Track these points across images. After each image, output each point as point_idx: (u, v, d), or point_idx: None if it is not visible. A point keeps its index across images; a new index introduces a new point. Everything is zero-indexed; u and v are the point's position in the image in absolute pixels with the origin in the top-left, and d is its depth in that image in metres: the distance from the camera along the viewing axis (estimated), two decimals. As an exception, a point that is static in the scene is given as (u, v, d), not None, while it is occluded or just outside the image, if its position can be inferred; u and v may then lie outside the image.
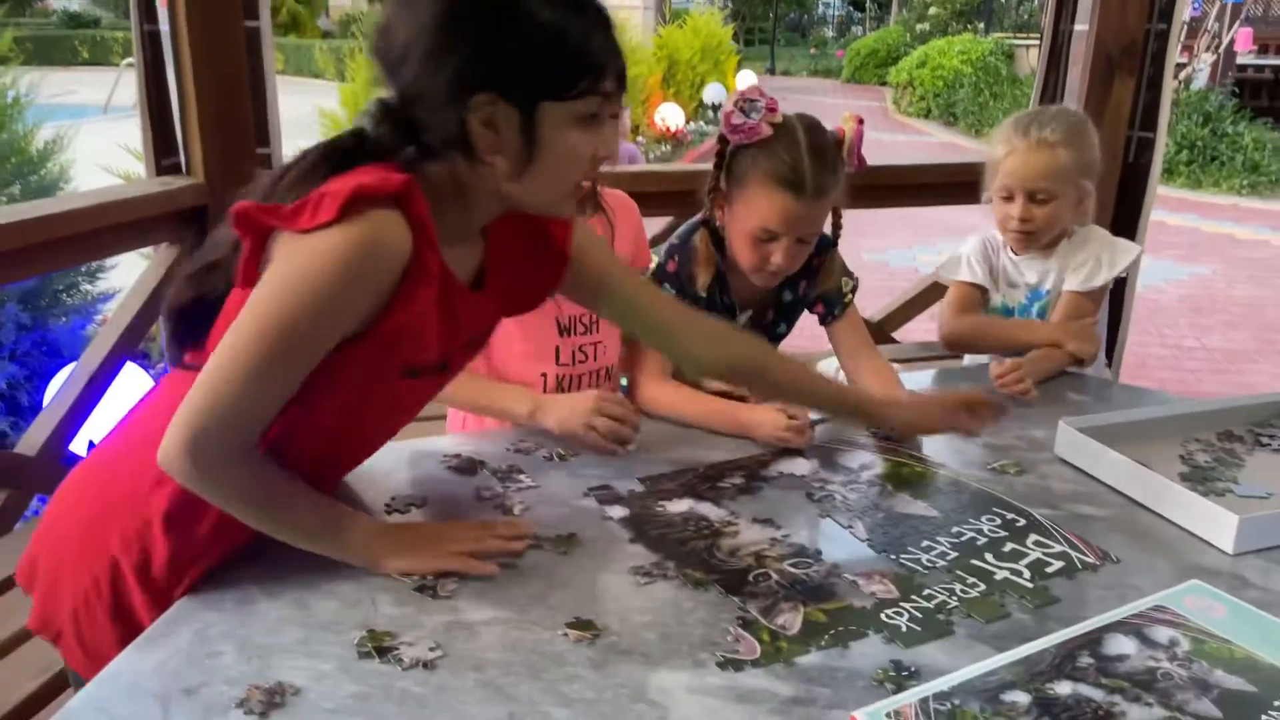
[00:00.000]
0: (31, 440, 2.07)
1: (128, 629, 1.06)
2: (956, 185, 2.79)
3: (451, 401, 1.59)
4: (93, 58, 21.09)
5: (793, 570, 1.14)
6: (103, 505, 1.11)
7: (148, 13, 2.20)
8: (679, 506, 1.28)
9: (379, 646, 0.98)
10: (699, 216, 1.66)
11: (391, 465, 1.35)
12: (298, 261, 0.97)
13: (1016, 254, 1.91)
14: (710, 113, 12.78)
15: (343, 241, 0.96)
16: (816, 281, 1.69)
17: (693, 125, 11.91)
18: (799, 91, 18.23)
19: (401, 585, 1.09)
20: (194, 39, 2.17)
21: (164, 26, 2.22)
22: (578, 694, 0.93)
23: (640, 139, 10.27)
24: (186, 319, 1.08)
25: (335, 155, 1.04)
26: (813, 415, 1.49)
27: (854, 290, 1.72)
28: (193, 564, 1.08)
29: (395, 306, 1.02)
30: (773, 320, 1.74)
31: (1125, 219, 2.84)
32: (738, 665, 0.97)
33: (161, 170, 2.30)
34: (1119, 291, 2.95)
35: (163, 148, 2.29)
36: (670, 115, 10.49)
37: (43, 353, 3.00)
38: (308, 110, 5.74)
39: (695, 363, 1.41)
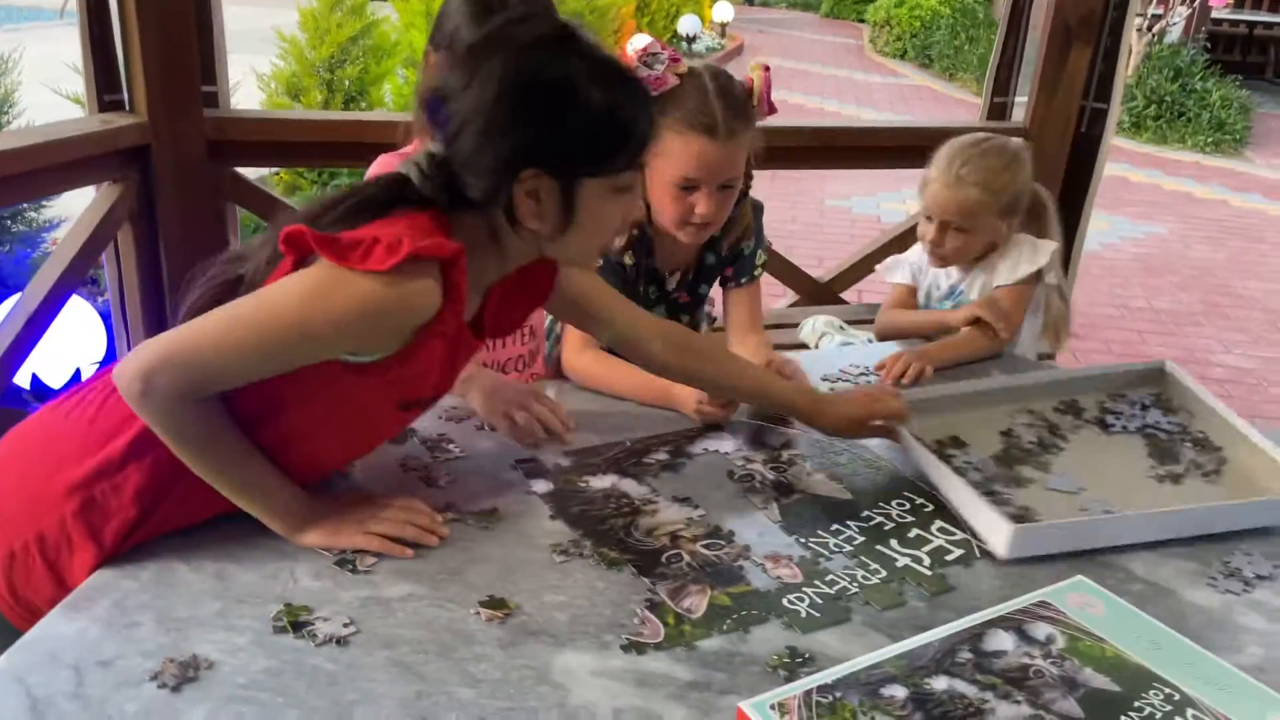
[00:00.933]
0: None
1: (62, 588, 1.08)
2: (910, 150, 2.80)
3: None
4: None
5: (705, 552, 1.18)
6: (53, 462, 1.11)
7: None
8: (602, 482, 1.32)
9: (294, 621, 1.01)
10: None
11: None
12: (333, 286, 1.03)
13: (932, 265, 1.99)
14: (684, 45, 12.60)
15: (382, 292, 1.02)
16: (731, 232, 1.72)
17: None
18: (776, 25, 17.99)
19: (322, 558, 1.12)
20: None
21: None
22: (484, 674, 0.97)
23: (611, 70, 10.14)
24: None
25: (379, 202, 1.10)
26: None
27: (764, 265, 1.79)
28: (141, 529, 1.10)
29: (406, 355, 1.08)
30: (693, 281, 1.78)
31: (1074, 188, 2.87)
32: (640, 648, 1.01)
33: (104, 106, 2.26)
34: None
35: (105, 83, 2.24)
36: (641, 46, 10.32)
37: (-11, 284, 2.96)
38: (265, 27, 5.58)
39: (651, 363, 1.43)
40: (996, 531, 1.18)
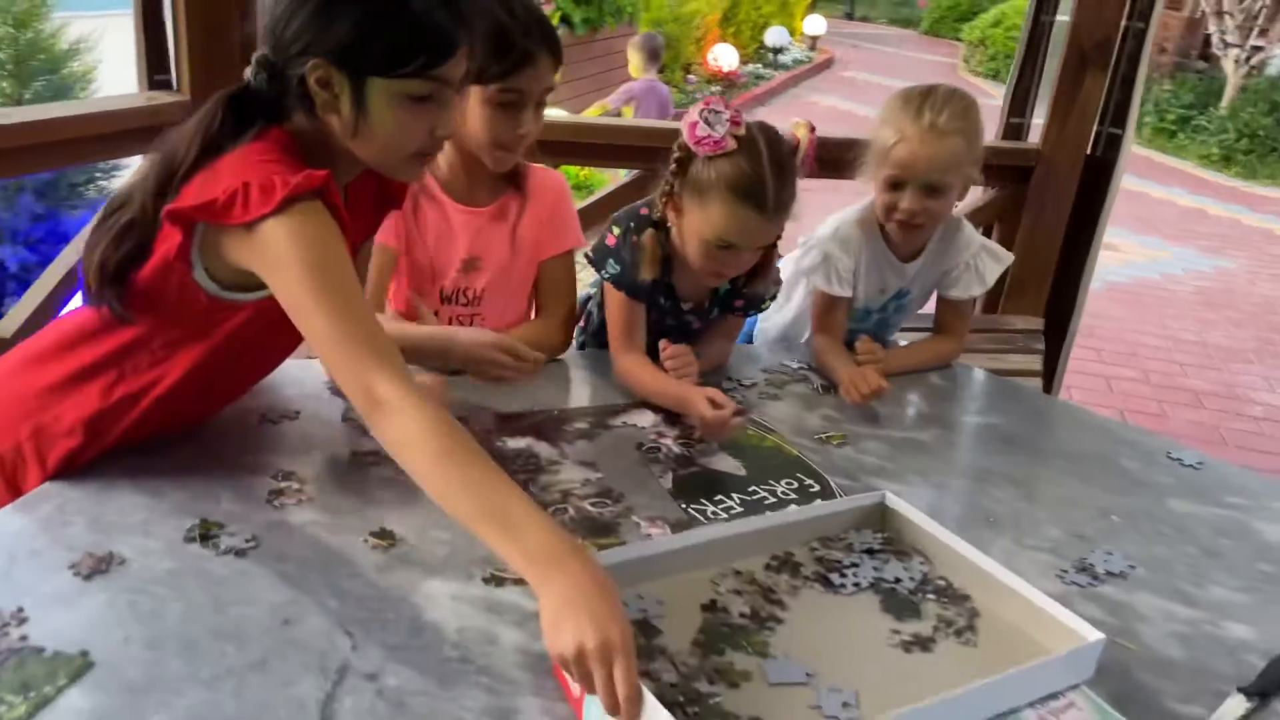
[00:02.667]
0: (9, 323, 2.29)
1: (14, 497, 1.24)
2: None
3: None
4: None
5: (590, 509, 1.29)
6: (18, 396, 1.27)
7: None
8: (518, 443, 1.44)
9: (204, 534, 1.16)
10: (644, 211, 1.65)
11: (276, 379, 1.52)
12: (294, 239, 1.10)
13: (897, 246, 1.83)
14: (770, 56, 12.66)
15: (310, 218, 1.11)
16: (755, 279, 1.69)
17: (750, 68, 11.82)
18: (873, 40, 17.88)
19: (251, 486, 1.27)
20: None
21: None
22: (353, 590, 1.10)
23: (691, 78, 10.25)
24: (112, 274, 1.20)
25: (222, 134, 1.17)
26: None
27: (773, 298, 1.79)
28: (83, 454, 1.25)
29: None
30: (708, 308, 1.75)
31: (1085, 213, 2.89)
32: (500, 582, 1.13)
33: (153, 85, 2.47)
34: (1063, 308, 3.00)
35: (155, 63, 2.45)
36: (724, 56, 10.42)
37: (55, 241, 3.23)
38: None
39: None
40: None
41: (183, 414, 1.32)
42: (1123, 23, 2.73)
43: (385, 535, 1.20)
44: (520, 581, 1.12)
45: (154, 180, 1.18)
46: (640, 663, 0.95)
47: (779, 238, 1.62)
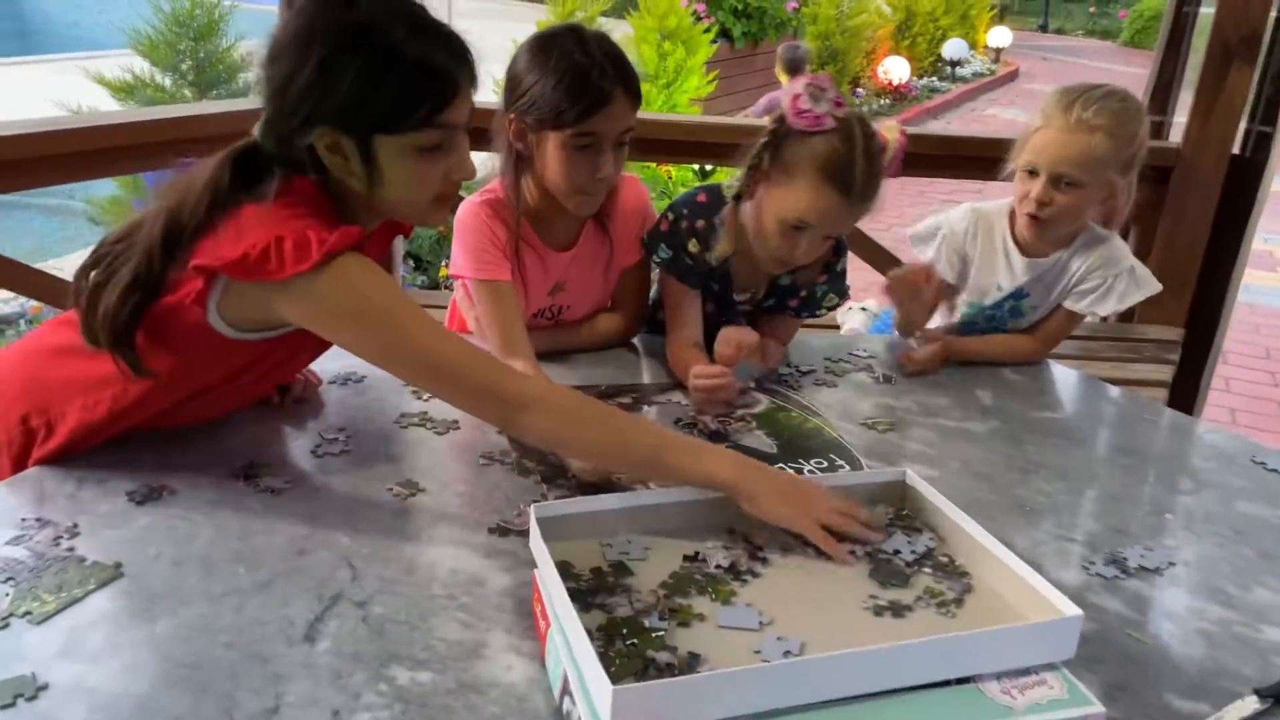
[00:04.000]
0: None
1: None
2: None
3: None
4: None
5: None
6: (22, 384, 1.30)
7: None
8: (557, 413, 1.49)
9: (249, 473, 1.27)
10: (702, 198, 1.66)
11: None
12: (350, 293, 1.15)
13: (1024, 240, 1.78)
14: (948, 69, 12.33)
15: (352, 267, 1.15)
16: (816, 299, 1.72)
17: (925, 81, 11.55)
18: (1064, 53, 17.14)
19: (301, 438, 1.38)
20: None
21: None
22: (365, 529, 1.18)
23: (859, 90, 10.12)
24: (122, 330, 1.19)
25: (243, 164, 1.19)
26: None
27: (832, 308, 1.78)
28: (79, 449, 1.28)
29: None
30: (763, 298, 1.75)
31: (1231, 216, 2.71)
32: (504, 532, 1.19)
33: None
34: (1206, 319, 2.81)
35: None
36: (895, 69, 10.24)
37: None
38: (505, 40, 6.08)
39: None
40: (603, 694, 0.81)
41: (198, 417, 1.36)
42: (1272, 13, 2.56)
43: (409, 485, 1.28)
44: (522, 533, 1.18)
45: (160, 235, 1.16)
46: (600, 596, 1.00)
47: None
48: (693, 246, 1.64)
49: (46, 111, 3.06)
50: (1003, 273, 1.82)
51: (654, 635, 0.95)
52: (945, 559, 1.11)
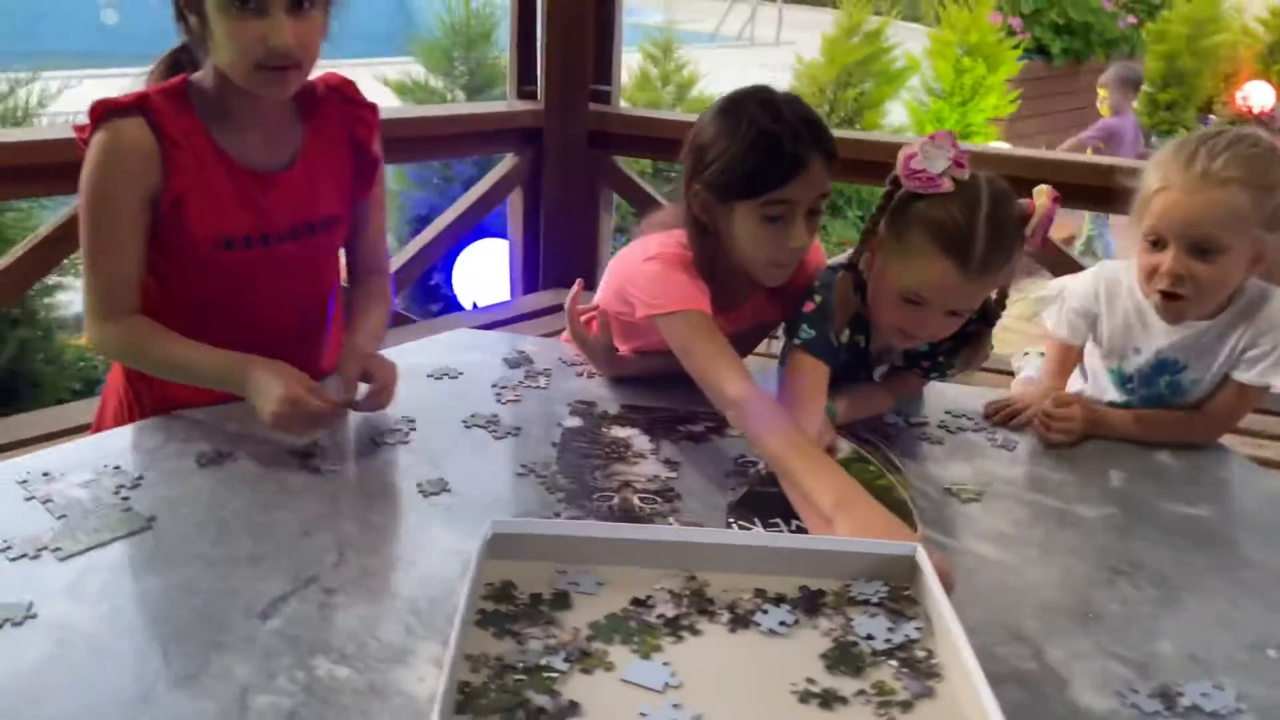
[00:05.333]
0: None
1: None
2: None
3: None
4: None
5: (635, 502, 1.30)
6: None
7: (523, -31, 2.72)
8: (621, 433, 1.48)
9: (306, 452, 1.36)
10: (845, 257, 1.53)
11: (448, 341, 1.69)
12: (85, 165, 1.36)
13: (1165, 321, 1.55)
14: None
15: (94, 145, 1.35)
16: (952, 364, 1.59)
17: (1297, 109, 10.13)
18: None
19: (374, 424, 1.46)
20: (550, -8, 2.65)
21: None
22: (373, 520, 1.24)
23: (1211, 117, 9.07)
24: None
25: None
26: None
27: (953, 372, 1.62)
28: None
29: (165, 187, 1.36)
30: (905, 366, 1.63)
31: None
32: (498, 544, 1.20)
33: (521, 94, 2.83)
34: None
35: (524, 77, 2.82)
36: (1256, 95, 9.05)
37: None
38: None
39: None
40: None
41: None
42: None
43: (437, 483, 1.31)
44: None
45: None
46: (521, 625, 0.98)
47: (982, 309, 1.47)
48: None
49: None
50: (1139, 334, 1.58)
51: (545, 677, 0.92)
52: (923, 654, 0.98)
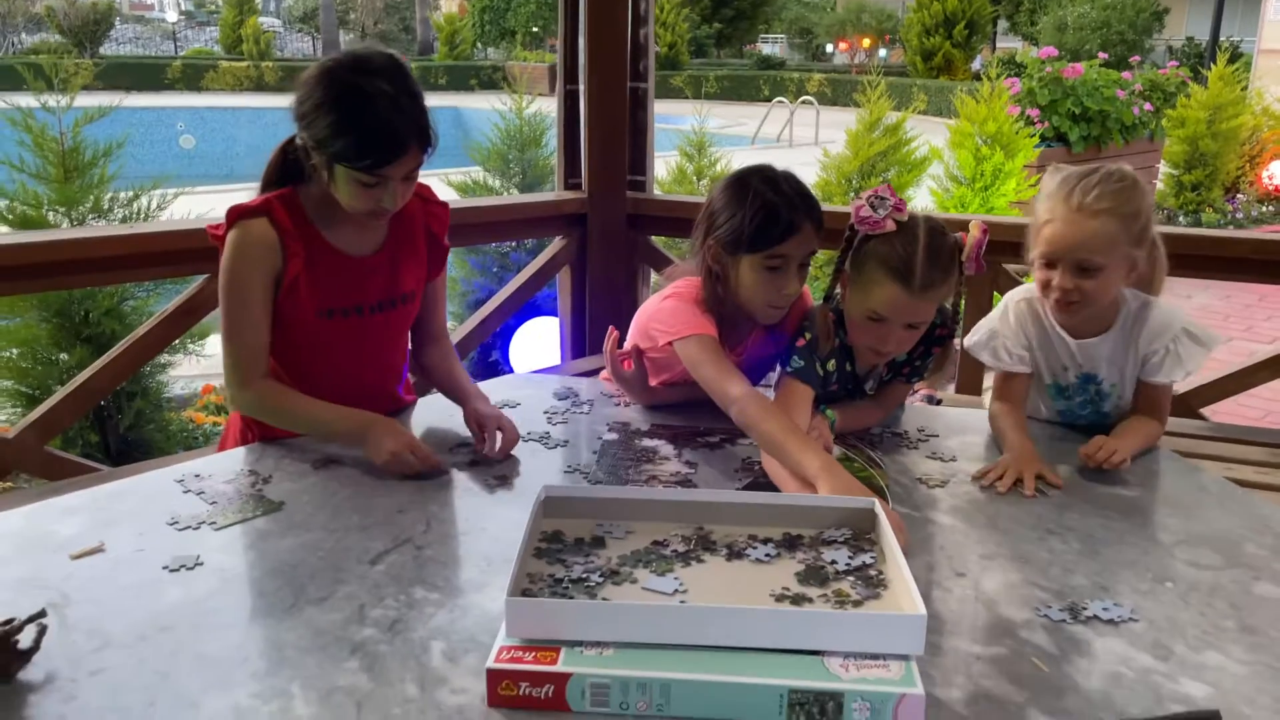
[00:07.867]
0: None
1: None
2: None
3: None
4: (771, 94, 23.75)
5: (658, 487, 1.61)
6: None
7: (569, 76, 3.14)
8: (649, 443, 1.80)
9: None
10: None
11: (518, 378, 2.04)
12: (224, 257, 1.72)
13: (1057, 322, 1.85)
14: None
15: (230, 241, 1.70)
16: (927, 366, 1.92)
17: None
18: None
19: (438, 443, 1.80)
20: (591, 96, 3.07)
21: (582, 87, 3.14)
22: (464, 502, 1.57)
23: (1239, 196, 9.31)
24: None
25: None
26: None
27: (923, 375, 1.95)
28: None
29: (284, 270, 1.71)
30: (890, 378, 1.95)
31: None
32: (550, 518, 1.52)
33: (568, 186, 3.24)
34: None
35: (570, 170, 3.23)
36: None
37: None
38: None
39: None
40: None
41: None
42: None
43: (500, 479, 1.64)
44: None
45: None
46: (567, 554, 1.30)
47: (933, 321, 1.80)
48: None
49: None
50: (1063, 355, 1.88)
51: (586, 586, 1.23)
52: (875, 573, 1.28)
